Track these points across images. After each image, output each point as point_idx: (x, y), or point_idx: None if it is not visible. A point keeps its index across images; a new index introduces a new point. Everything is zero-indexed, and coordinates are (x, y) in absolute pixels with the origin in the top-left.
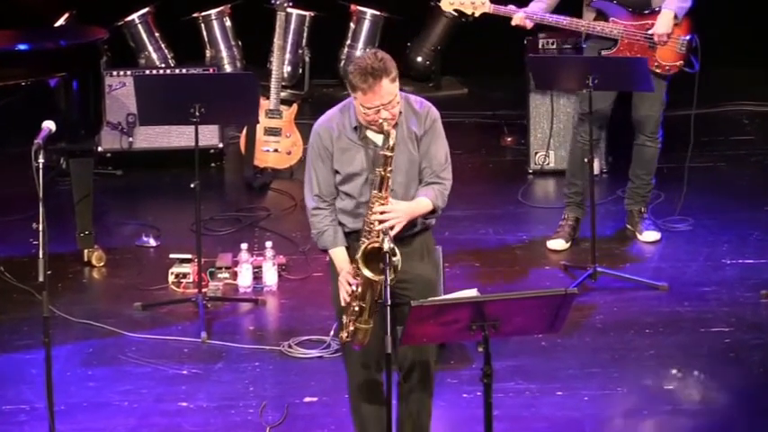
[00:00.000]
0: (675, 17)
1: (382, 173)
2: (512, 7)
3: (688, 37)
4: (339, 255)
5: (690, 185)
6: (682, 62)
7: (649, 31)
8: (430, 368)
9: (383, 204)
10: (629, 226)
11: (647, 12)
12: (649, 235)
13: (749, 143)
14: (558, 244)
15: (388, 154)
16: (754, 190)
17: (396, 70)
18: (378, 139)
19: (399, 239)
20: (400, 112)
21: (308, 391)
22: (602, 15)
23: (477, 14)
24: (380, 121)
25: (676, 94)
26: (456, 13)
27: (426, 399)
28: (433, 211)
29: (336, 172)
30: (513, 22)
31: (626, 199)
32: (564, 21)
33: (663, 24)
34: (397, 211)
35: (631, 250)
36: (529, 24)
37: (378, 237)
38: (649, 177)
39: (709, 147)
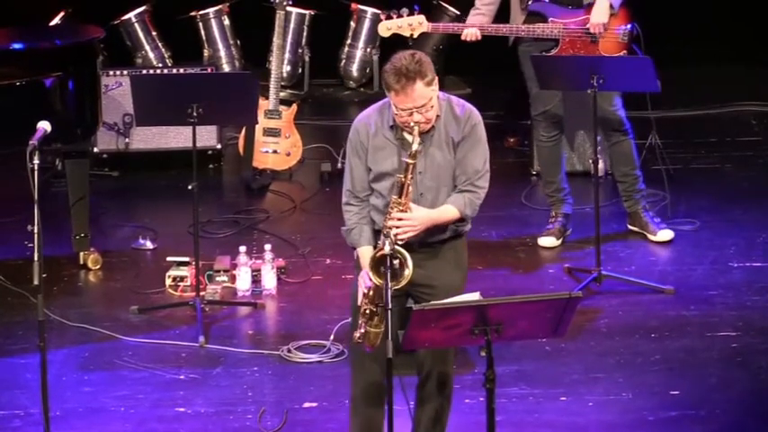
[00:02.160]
0: (611, 7)
1: (403, 179)
2: (456, 24)
3: (628, 26)
4: (364, 253)
5: (696, 187)
6: (625, 52)
7: (587, 25)
8: (448, 374)
9: (402, 211)
10: (636, 228)
11: (583, 6)
12: (664, 234)
13: (757, 144)
14: (548, 241)
15: (410, 161)
16: (761, 192)
17: (433, 74)
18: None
19: (428, 245)
20: (438, 116)
21: (308, 397)
22: (539, 17)
23: (415, 35)
24: (412, 124)
25: (676, 95)
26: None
27: (445, 404)
28: (461, 220)
29: (369, 169)
30: (468, 38)
31: (624, 203)
32: (504, 28)
33: (598, 14)
34: (413, 219)
35: (637, 253)
36: (479, 37)
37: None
38: (635, 171)
39: (717, 147)
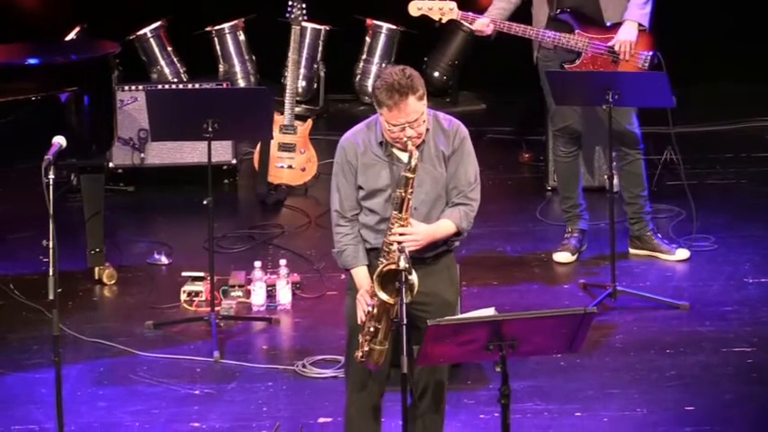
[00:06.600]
0: (641, 25)
1: (403, 194)
2: (480, 16)
3: (650, 53)
4: (360, 273)
5: (712, 203)
6: None
7: (610, 43)
8: (443, 389)
9: (403, 226)
10: (645, 252)
11: (608, 26)
12: (682, 253)
13: None
14: (563, 257)
15: (409, 176)
16: None
17: (423, 88)
18: (404, 155)
19: (421, 260)
20: (427, 130)
21: (323, 412)
22: (565, 27)
23: (444, 21)
24: (405, 139)
25: (691, 111)
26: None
27: (439, 420)
28: (457, 234)
29: (360, 187)
30: (474, 27)
31: (633, 225)
32: (531, 31)
33: (626, 32)
34: (416, 234)
35: (651, 269)
36: (488, 31)
37: (395, 258)
38: (644, 191)
39: (732, 163)
